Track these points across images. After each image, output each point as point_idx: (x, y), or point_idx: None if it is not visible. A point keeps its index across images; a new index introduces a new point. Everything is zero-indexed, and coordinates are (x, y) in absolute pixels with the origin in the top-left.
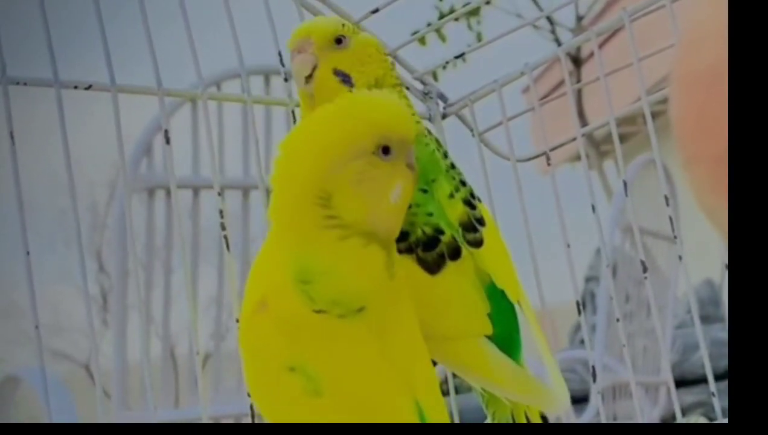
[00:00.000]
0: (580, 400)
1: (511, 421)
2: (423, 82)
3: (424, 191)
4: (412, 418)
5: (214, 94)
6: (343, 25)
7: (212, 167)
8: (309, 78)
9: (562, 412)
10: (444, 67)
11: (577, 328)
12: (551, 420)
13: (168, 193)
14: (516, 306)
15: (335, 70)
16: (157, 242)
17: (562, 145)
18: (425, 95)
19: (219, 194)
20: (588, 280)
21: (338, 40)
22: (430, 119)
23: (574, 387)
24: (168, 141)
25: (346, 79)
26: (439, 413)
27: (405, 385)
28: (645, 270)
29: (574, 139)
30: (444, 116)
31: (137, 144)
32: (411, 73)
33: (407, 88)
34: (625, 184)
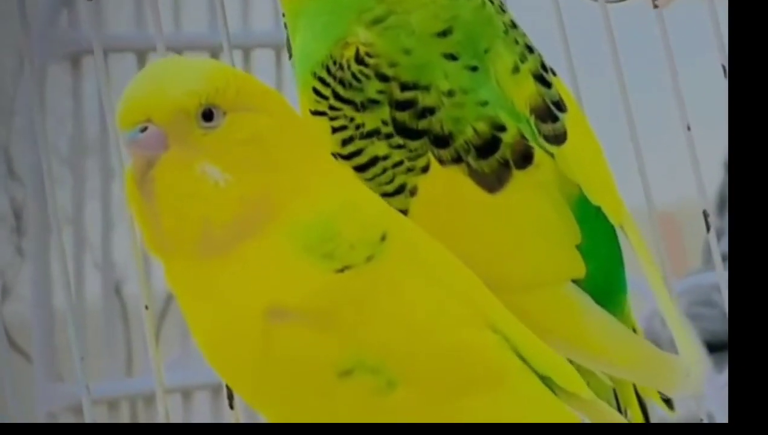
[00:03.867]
0: (721, 347)
1: (614, 407)
2: None
3: (474, 69)
4: (505, 353)
5: None
6: None
7: (154, 21)
8: None
9: (693, 391)
10: None
11: (718, 237)
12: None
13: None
14: (618, 230)
15: None
16: (89, 132)
17: None
18: None
19: None
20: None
21: None
22: None
23: (711, 328)
24: None
25: None
26: (527, 337)
27: (476, 314)
28: None
29: None
30: None
31: None
32: None
33: None
34: None
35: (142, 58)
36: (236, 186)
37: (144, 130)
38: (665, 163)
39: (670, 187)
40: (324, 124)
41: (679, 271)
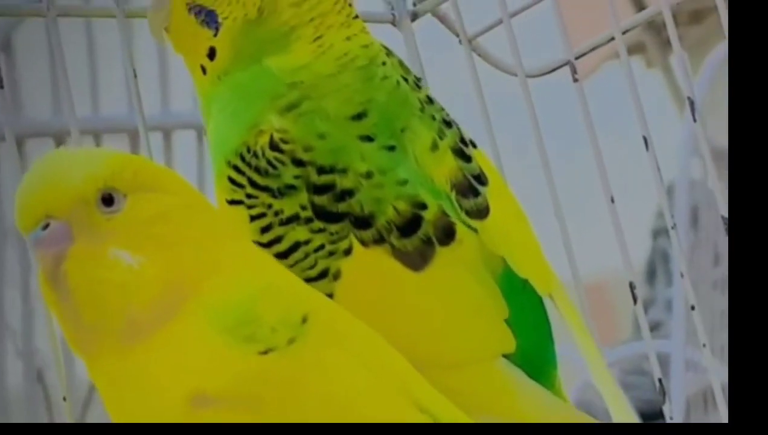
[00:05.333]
0: (655, 416)
1: None
2: None
3: (391, 148)
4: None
5: (67, 6)
6: None
7: (68, 105)
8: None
9: None
10: None
11: (647, 306)
12: None
13: (18, 144)
14: (547, 300)
15: (189, 6)
16: (8, 218)
17: (593, 49)
18: None
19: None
20: (657, 234)
21: None
22: (393, 23)
23: (644, 397)
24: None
25: (208, 17)
26: (455, 415)
27: (402, 393)
28: None
29: (611, 39)
30: (415, 16)
31: None
32: None
33: None
34: (690, 101)
35: (60, 142)
36: (150, 266)
37: (46, 226)
38: (591, 235)
39: (597, 259)
40: (242, 212)
41: (609, 341)
